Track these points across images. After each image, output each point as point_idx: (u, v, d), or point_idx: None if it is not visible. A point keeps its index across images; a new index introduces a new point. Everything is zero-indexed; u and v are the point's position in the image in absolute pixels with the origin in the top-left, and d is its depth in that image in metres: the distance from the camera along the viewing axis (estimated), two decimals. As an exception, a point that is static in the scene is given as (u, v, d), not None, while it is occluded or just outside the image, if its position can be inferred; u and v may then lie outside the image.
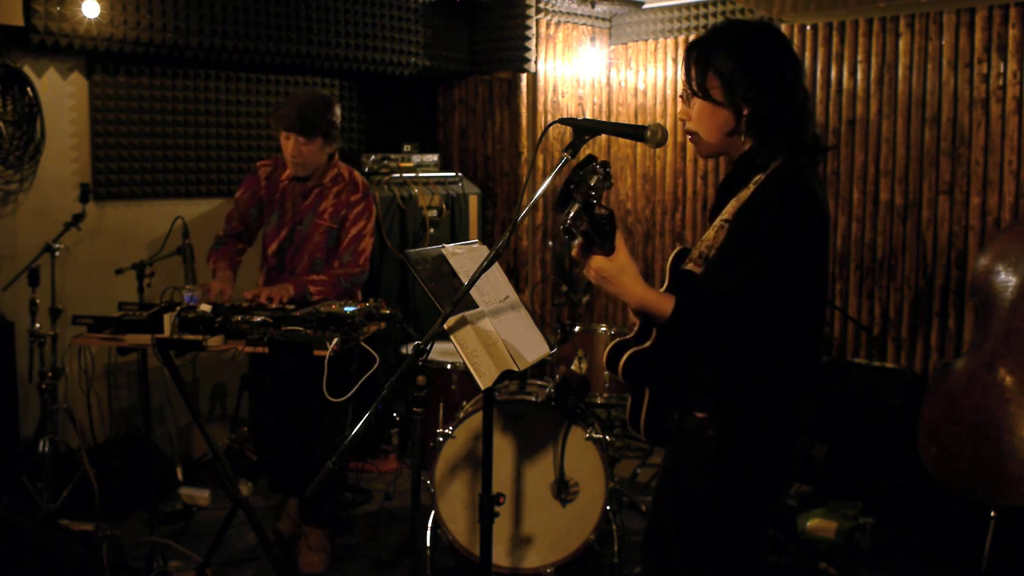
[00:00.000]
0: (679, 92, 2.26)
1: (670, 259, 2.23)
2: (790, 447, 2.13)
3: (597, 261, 2.06)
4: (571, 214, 1.98)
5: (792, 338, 2.04)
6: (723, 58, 2.07)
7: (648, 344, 2.15)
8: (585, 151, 2.06)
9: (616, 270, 2.05)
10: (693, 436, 2.12)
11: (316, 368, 3.05)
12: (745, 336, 2.00)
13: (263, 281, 3.85)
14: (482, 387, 2.56)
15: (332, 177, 3.79)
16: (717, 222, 2.10)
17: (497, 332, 2.59)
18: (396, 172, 5.28)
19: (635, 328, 2.22)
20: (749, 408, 2.06)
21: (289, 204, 3.79)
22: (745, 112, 2.06)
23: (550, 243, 5.84)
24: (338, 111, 3.74)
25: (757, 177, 2.06)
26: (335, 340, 3.06)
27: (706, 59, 2.09)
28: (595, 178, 1.97)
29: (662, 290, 2.18)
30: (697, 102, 2.13)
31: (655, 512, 2.33)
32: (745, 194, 2.06)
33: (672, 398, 2.18)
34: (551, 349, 2.89)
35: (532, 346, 2.74)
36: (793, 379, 2.08)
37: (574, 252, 2.10)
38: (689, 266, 2.13)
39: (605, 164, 2.00)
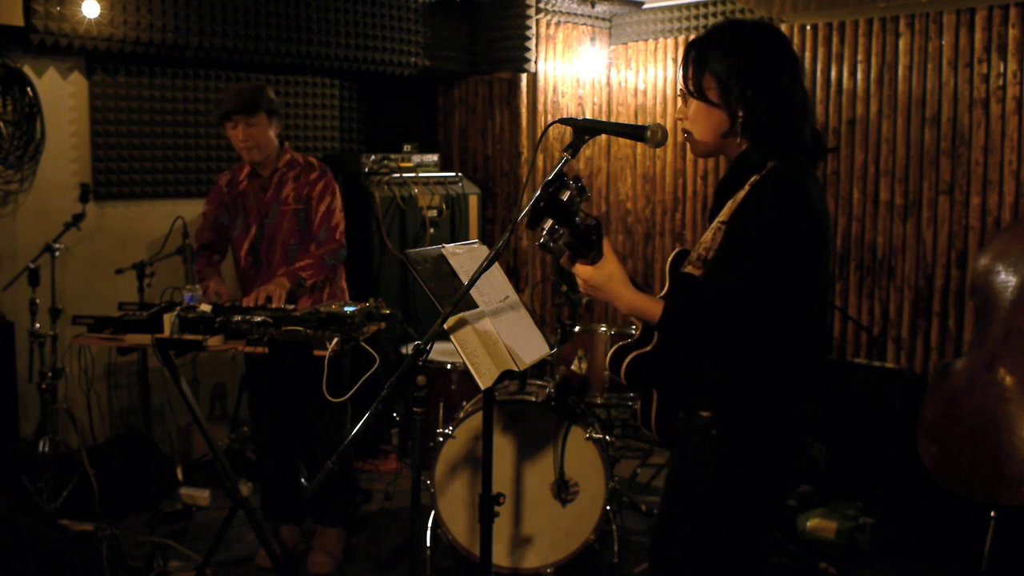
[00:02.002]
0: (677, 90, 2.26)
1: (669, 261, 2.23)
2: (795, 446, 2.13)
3: (584, 271, 2.06)
4: (544, 230, 1.98)
5: (794, 338, 2.04)
6: (720, 59, 2.07)
7: (650, 347, 2.15)
8: (585, 151, 2.06)
9: (604, 278, 2.05)
10: (698, 435, 2.12)
11: (312, 368, 3.05)
12: (743, 336, 2.00)
13: (240, 286, 3.85)
14: (482, 387, 2.57)
15: (286, 162, 3.79)
16: (714, 224, 2.10)
17: (497, 332, 2.59)
18: (396, 172, 5.28)
19: (638, 331, 2.22)
20: (753, 407, 2.06)
21: (252, 201, 3.79)
22: (740, 114, 2.06)
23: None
24: (272, 94, 3.74)
25: (753, 178, 2.06)
26: (335, 340, 3.06)
27: (703, 59, 2.09)
28: (567, 193, 1.96)
29: (662, 293, 2.18)
30: (693, 102, 2.13)
31: (662, 511, 2.33)
32: (741, 195, 2.06)
33: (676, 398, 2.18)
34: (551, 349, 2.89)
35: (532, 346, 2.74)
36: (796, 379, 2.08)
37: (562, 261, 2.10)
38: (688, 268, 2.14)
39: (577, 178, 2.00)
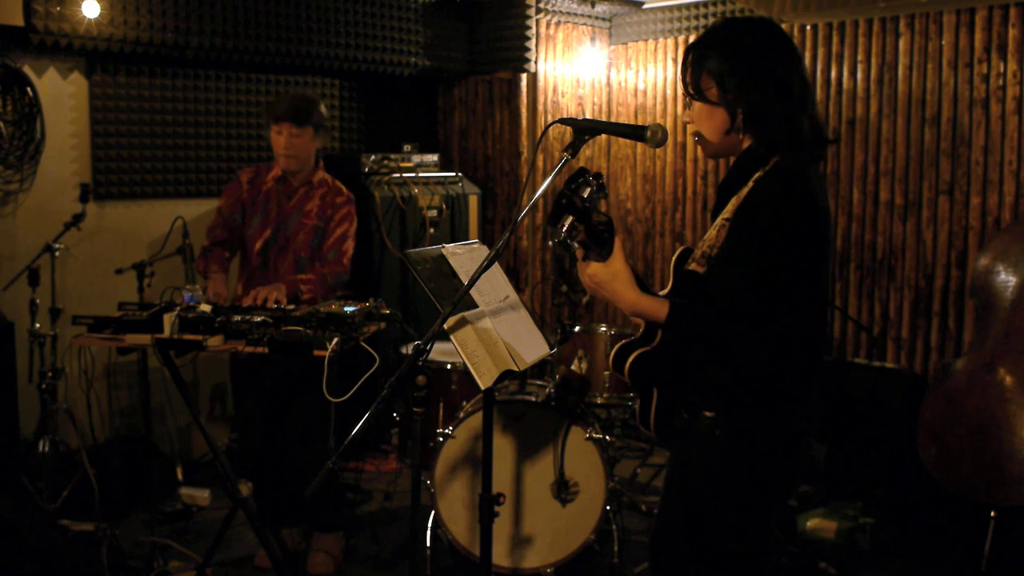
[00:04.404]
0: (682, 95, 2.26)
1: (673, 259, 2.23)
2: (797, 447, 2.13)
3: (592, 267, 2.06)
4: (564, 228, 1.98)
5: (797, 334, 2.04)
6: (714, 58, 2.08)
7: (654, 345, 2.15)
8: (585, 151, 2.06)
9: (609, 276, 2.04)
10: (701, 435, 2.12)
11: (308, 369, 3.05)
12: (749, 333, 2.00)
13: (243, 284, 3.86)
14: (482, 387, 2.56)
15: (319, 180, 3.86)
16: (719, 221, 2.10)
17: (497, 332, 2.59)
18: (396, 172, 5.28)
19: (640, 329, 2.21)
20: (757, 407, 2.06)
21: (274, 204, 3.82)
22: (739, 111, 2.07)
23: (550, 243, 5.84)
24: (324, 111, 3.82)
25: (757, 174, 2.06)
26: (335, 340, 3.06)
27: (700, 60, 2.11)
28: (588, 190, 1.98)
29: (666, 291, 2.18)
30: (696, 104, 2.14)
31: (662, 511, 2.33)
32: (745, 191, 2.06)
33: (680, 398, 2.18)
34: (551, 349, 2.89)
35: (532, 346, 2.73)
36: (800, 377, 2.08)
37: (578, 253, 2.10)
38: (692, 266, 2.13)
39: (598, 175, 2.01)
